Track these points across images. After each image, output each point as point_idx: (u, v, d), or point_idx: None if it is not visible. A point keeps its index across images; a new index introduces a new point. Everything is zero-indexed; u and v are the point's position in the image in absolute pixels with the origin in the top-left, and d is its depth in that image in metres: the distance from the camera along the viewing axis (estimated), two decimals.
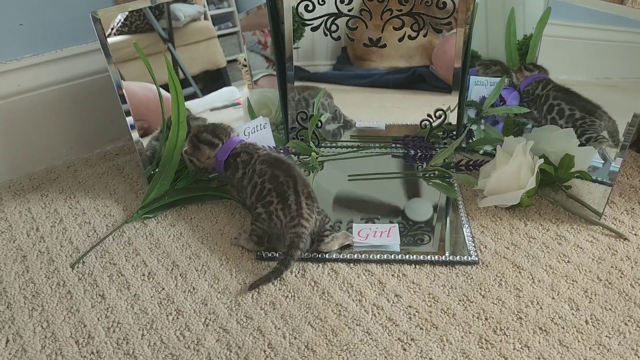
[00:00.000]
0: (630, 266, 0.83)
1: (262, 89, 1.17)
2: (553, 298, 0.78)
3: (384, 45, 1.08)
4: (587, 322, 0.75)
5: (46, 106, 1.09)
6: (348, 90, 1.17)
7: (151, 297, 0.80)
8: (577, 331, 0.73)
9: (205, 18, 1.10)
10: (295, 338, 0.73)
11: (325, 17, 1.07)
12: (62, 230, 0.94)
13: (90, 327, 0.76)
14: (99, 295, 0.81)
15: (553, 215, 0.95)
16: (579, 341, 0.72)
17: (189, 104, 1.08)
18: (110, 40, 0.95)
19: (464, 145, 1.15)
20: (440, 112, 1.12)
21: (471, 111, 1.18)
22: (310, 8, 1.06)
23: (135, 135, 0.98)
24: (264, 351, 0.72)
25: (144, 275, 0.84)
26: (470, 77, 1.14)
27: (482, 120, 1.18)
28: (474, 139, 1.15)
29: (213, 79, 1.13)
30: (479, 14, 1.06)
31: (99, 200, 1.02)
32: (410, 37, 1.07)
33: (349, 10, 1.06)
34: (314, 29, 1.07)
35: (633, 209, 0.96)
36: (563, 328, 0.74)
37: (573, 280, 0.81)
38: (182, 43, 1.07)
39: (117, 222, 0.95)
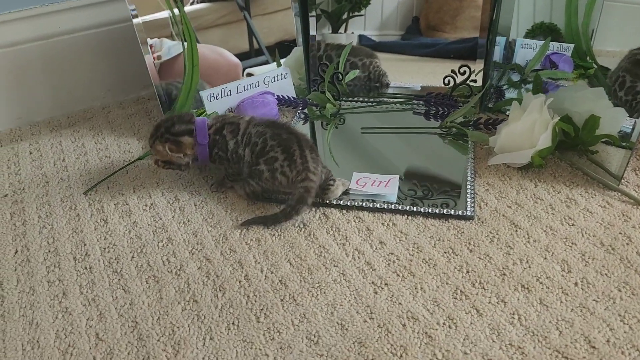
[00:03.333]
0: None
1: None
2: (545, 258, 0.74)
3: None
4: (576, 284, 0.70)
5: (85, 49, 1.16)
6: (405, 57, 1.14)
7: (148, 225, 0.85)
8: (562, 292, 0.69)
9: None
10: (271, 272, 0.75)
11: None
12: (84, 162, 1.01)
13: (89, 246, 0.81)
14: (103, 219, 0.86)
15: (569, 178, 0.89)
16: (561, 302, 0.68)
17: (257, 69, 1.11)
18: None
19: (490, 105, 1.10)
20: (465, 68, 1.07)
21: (515, 75, 1.12)
22: None
23: (152, 72, 1.02)
24: (239, 281, 0.74)
25: (146, 205, 0.89)
26: (516, 40, 1.09)
27: (524, 85, 1.12)
28: (503, 100, 1.10)
29: (288, 49, 1.14)
30: None
31: (122, 138, 1.08)
32: None
33: None
34: None
35: None
36: (548, 288, 0.70)
37: (572, 243, 0.76)
38: (259, 12, 1.10)
39: (133, 158, 1.00)
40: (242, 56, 1.10)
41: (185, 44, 0.99)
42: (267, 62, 1.13)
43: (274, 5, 1.11)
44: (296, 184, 0.82)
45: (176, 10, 1.01)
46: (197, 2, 1.03)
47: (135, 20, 0.98)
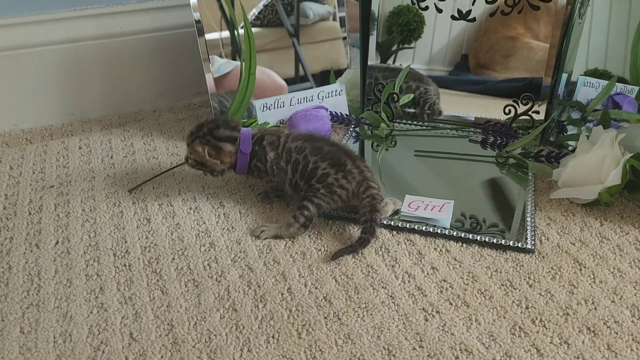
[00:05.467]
0: None
1: (356, 70, 1.15)
2: (613, 301, 0.68)
3: (474, 19, 1.02)
4: None
5: (142, 51, 1.16)
6: (454, 92, 1.12)
7: (191, 228, 0.82)
8: (632, 339, 0.63)
9: (334, 19, 1.12)
10: (316, 288, 0.71)
11: None
12: (132, 161, 1.00)
13: (130, 243, 0.79)
14: (146, 219, 0.84)
15: (638, 219, 0.83)
16: (632, 350, 0.62)
17: (300, 93, 1.10)
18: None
19: (552, 139, 1.05)
20: (528, 99, 1.03)
21: (575, 113, 1.07)
22: None
23: (211, 88, 1.02)
24: (282, 294, 0.70)
25: (190, 209, 0.87)
26: (579, 77, 1.05)
27: (585, 124, 1.07)
28: (565, 135, 1.05)
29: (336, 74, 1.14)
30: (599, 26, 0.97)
31: (171, 141, 1.07)
32: (503, 13, 1.00)
33: None
34: None
35: None
36: (617, 333, 0.64)
37: None
38: (307, 41, 1.10)
39: (181, 161, 0.99)
40: (286, 82, 1.10)
41: (244, 54, 0.99)
42: (311, 89, 1.12)
43: (322, 35, 1.11)
44: (359, 196, 0.79)
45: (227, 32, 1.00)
46: None
47: (200, 38, 0.98)
